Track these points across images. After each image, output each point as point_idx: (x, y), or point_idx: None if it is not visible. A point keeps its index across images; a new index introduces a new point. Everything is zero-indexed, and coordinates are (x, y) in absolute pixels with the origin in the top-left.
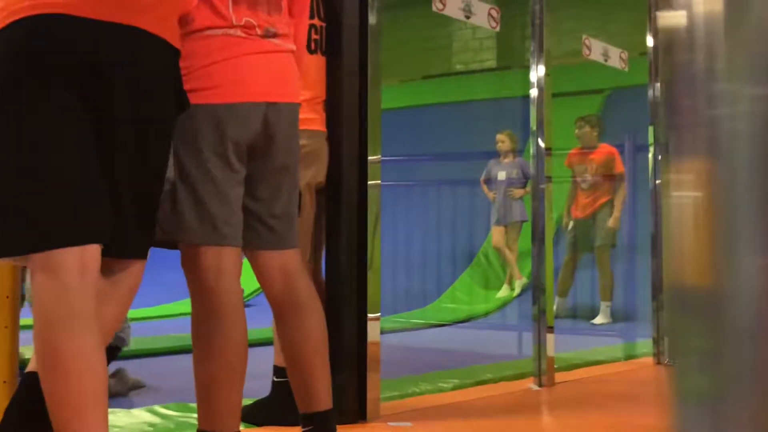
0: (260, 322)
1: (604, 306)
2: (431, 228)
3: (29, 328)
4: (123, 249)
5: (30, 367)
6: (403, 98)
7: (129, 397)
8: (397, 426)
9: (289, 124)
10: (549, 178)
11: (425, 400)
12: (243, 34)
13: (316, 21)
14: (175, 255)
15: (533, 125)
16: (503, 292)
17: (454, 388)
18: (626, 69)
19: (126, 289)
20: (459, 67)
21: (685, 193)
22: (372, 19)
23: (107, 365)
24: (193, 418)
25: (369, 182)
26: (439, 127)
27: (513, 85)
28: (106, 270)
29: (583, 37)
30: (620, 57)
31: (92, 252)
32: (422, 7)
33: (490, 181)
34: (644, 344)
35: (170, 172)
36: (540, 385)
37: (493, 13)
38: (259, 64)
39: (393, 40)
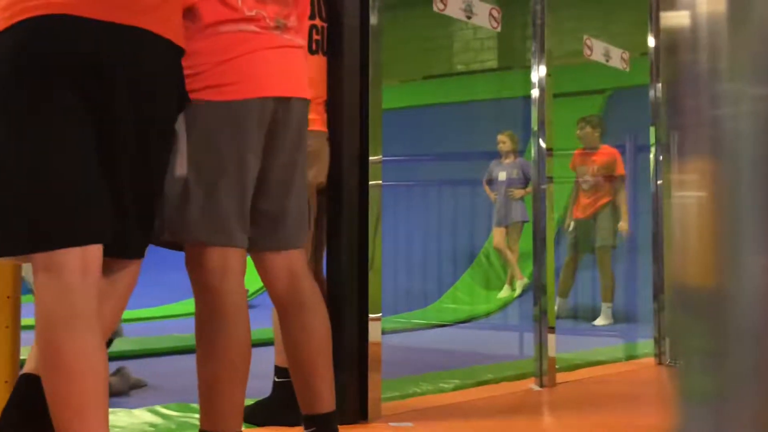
0: (261, 323)
1: (605, 307)
2: (432, 228)
3: (30, 328)
4: (123, 249)
5: (26, 369)
6: (404, 98)
7: (130, 397)
8: (399, 426)
9: (299, 119)
10: (550, 179)
11: (426, 401)
12: (256, 28)
13: (317, 21)
14: (176, 255)
15: (534, 125)
16: (504, 293)
17: (455, 389)
18: (627, 69)
19: (124, 287)
20: (460, 68)
21: (688, 193)
22: (373, 20)
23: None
24: (194, 418)
25: (370, 182)
26: (440, 127)
27: (514, 85)
28: (104, 269)
29: (585, 37)
30: (621, 57)
31: (94, 252)
32: (423, 7)
33: (492, 181)
34: (645, 345)
35: (182, 170)
36: (541, 386)
37: (494, 13)
38: (273, 59)
39: (394, 40)
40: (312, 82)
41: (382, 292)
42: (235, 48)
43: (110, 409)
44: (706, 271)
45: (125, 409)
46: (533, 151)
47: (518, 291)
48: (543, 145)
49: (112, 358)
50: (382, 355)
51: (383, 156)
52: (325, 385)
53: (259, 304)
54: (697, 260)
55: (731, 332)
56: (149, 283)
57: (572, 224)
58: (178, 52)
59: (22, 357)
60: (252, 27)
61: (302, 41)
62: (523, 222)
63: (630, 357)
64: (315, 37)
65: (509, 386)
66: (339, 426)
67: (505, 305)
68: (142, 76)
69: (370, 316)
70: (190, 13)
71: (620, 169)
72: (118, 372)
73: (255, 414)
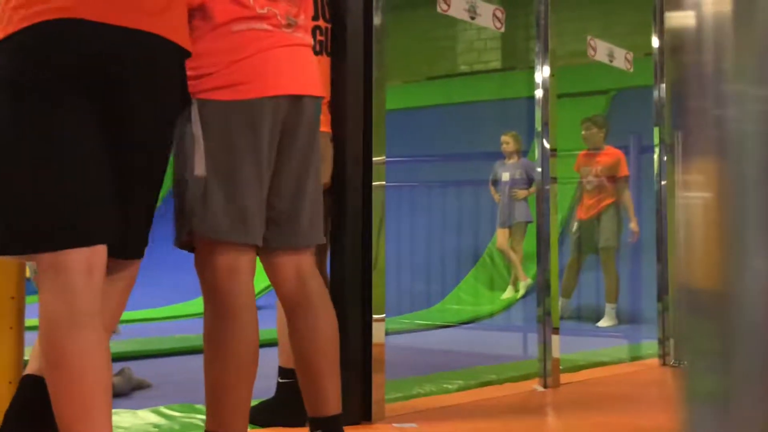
0: (265, 323)
1: (609, 308)
2: (436, 229)
3: (35, 329)
4: (123, 249)
5: (29, 370)
6: (408, 99)
7: (134, 398)
8: (402, 427)
9: (312, 118)
10: (554, 179)
11: (430, 401)
12: (268, 27)
13: (320, 22)
14: (179, 256)
15: (538, 126)
16: (508, 294)
17: (459, 389)
18: (631, 70)
19: (122, 287)
20: (464, 68)
21: (693, 194)
22: (376, 20)
23: None
24: (197, 419)
25: (374, 183)
26: (443, 128)
27: (518, 85)
28: None
29: (588, 37)
30: (625, 58)
31: (99, 253)
32: (427, 8)
33: (497, 182)
34: (650, 346)
35: (200, 170)
36: (545, 387)
37: (498, 13)
38: (285, 57)
39: (397, 41)
40: None
41: (386, 292)
42: (247, 47)
43: (114, 410)
44: (712, 271)
45: (129, 410)
46: (537, 152)
47: (522, 292)
48: (547, 145)
49: (115, 358)
50: (385, 356)
51: (387, 157)
52: (331, 388)
53: (263, 304)
54: (702, 261)
55: (737, 333)
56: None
57: (575, 225)
58: (184, 54)
59: (25, 358)
60: (264, 25)
61: (311, 40)
62: (527, 223)
63: (634, 358)
64: (319, 38)
65: (513, 387)
66: (343, 426)
67: (508, 306)
68: (150, 79)
69: (374, 316)
70: (201, 12)
71: (624, 171)
72: (120, 372)
73: (258, 415)
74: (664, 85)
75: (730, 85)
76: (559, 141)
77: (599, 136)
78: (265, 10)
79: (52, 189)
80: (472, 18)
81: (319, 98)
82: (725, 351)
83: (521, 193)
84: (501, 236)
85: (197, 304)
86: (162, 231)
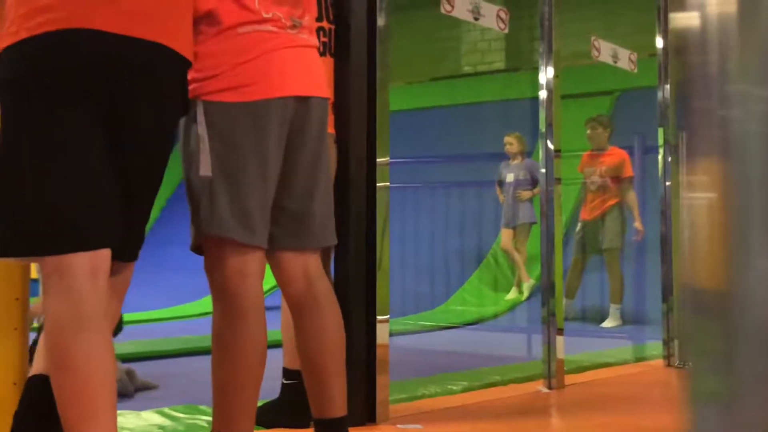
0: (269, 325)
1: (613, 309)
2: (440, 230)
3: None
4: (123, 252)
5: (33, 370)
6: (412, 100)
7: (138, 399)
8: (407, 428)
9: (320, 118)
10: (558, 180)
11: (434, 403)
12: (273, 28)
13: (324, 23)
14: (182, 257)
15: (542, 127)
16: (512, 295)
17: (463, 391)
18: (635, 71)
19: (120, 289)
20: (467, 69)
21: (697, 195)
22: (380, 21)
23: None
24: (202, 420)
25: (377, 184)
26: (447, 128)
27: (522, 86)
28: None
29: (592, 38)
30: (629, 58)
31: (103, 256)
32: (430, 9)
33: (502, 183)
34: (654, 346)
35: (205, 171)
36: (549, 388)
37: (502, 14)
38: (291, 58)
39: (401, 42)
40: None
41: (390, 293)
42: (252, 49)
43: (118, 411)
44: (716, 272)
45: (133, 411)
46: (541, 153)
47: (526, 294)
48: (551, 146)
49: (119, 359)
50: (389, 357)
51: (390, 158)
52: (336, 389)
53: (267, 305)
54: (706, 261)
55: (741, 334)
56: (157, 284)
57: (579, 225)
58: (185, 63)
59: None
60: (269, 27)
61: (316, 41)
62: (531, 223)
63: (639, 359)
64: (322, 39)
65: (517, 388)
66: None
67: (513, 307)
68: (150, 85)
69: (378, 317)
70: (207, 18)
71: (629, 171)
72: (125, 374)
73: (263, 416)
74: (668, 86)
75: (734, 86)
76: (563, 142)
77: (604, 136)
78: (270, 14)
79: (56, 192)
80: (476, 19)
81: (326, 99)
82: (729, 351)
83: (525, 194)
84: (505, 236)
85: (201, 305)
86: (166, 232)
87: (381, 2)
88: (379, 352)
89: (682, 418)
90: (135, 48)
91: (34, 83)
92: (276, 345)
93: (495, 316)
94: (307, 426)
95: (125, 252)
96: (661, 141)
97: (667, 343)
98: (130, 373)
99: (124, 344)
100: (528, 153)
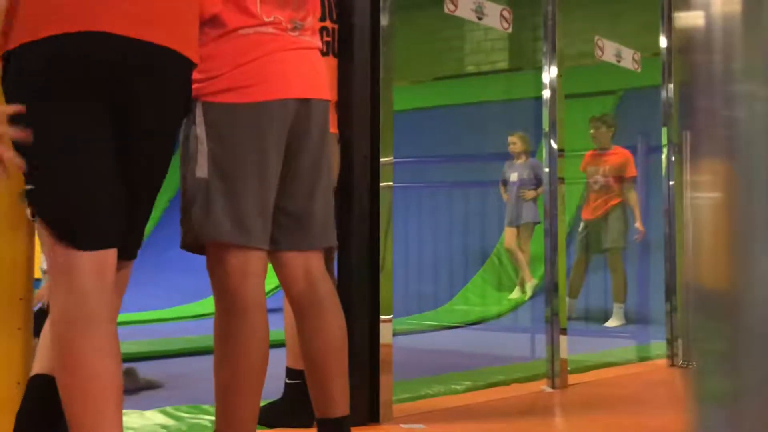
0: (273, 325)
1: (617, 308)
2: (443, 230)
3: None
4: (125, 251)
5: (35, 370)
6: (415, 100)
7: (141, 398)
8: (410, 428)
9: (321, 120)
10: (561, 180)
11: (438, 402)
12: (274, 31)
13: (327, 23)
14: (185, 258)
15: (546, 126)
16: (516, 294)
17: (466, 390)
18: (639, 70)
19: (120, 288)
20: (471, 69)
21: (702, 195)
22: (383, 21)
23: None
24: (205, 419)
25: (381, 184)
26: (451, 128)
27: (525, 86)
28: None
29: (596, 38)
30: (633, 58)
31: (109, 254)
32: (434, 9)
33: (506, 182)
34: (658, 346)
35: (202, 172)
36: (553, 387)
37: (505, 14)
38: (292, 60)
39: (404, 42)
40: None
41: (393, 293)
42: (253, 50)
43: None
44: (720, 272)
45: (136, 411)
46: (545, 152)
47: (529, 293)
48: (554, 146)
49: (122, 359)
50: (393, 357)
51: (394, 157)
52: (339, 389)
53: (270, 306)
54: (710, 261)
55: (746, 333)
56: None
57: (582, 224)
58: (190, 66)
59: None
60: (270, 29)
61: (319, 42)
62: (535, 223)
63: (642, 358)
64: (325, 38)
65: (521, 388)
66: (351, 427)
67: (516, 307)
68: (157, 89)
69: (381, 317)
70: (212, 21)
71: (632, 171)
72: (126, 373)
73: (266, 415)
74: (672, 86)
75: (738, 86)
76: (567, 141)
77: (608, 135)
78: (272, 18)
79: (63, 193)
80: (480, 18)
81: (326, 101)
82: (734, 351)
83: (529, 193)
84: (509, 236)
85: (203, 306)
86: (168, 234)
87: (384, 2)
88: (382, 351)
89: (686, 418)
90: (141, 50)
91: (41, 83)
92: (280, 345)
93: (498, 315)
94: (310, 426)
95: (125, 251)
96: (664, 140)
97: (670, 343)
98: (130, 372)
99: (126, 344)
100: (532, 152)
